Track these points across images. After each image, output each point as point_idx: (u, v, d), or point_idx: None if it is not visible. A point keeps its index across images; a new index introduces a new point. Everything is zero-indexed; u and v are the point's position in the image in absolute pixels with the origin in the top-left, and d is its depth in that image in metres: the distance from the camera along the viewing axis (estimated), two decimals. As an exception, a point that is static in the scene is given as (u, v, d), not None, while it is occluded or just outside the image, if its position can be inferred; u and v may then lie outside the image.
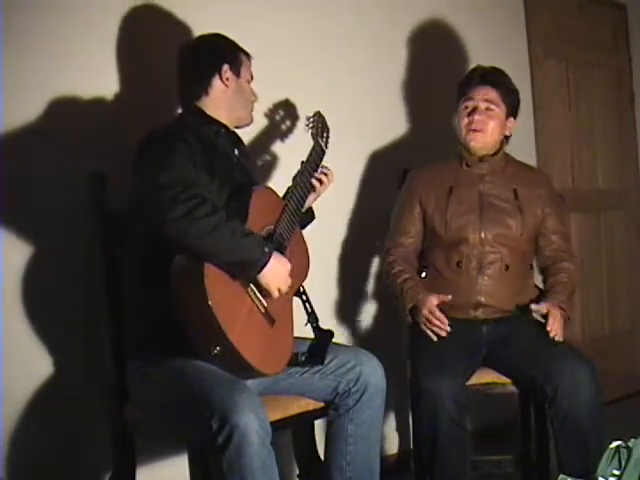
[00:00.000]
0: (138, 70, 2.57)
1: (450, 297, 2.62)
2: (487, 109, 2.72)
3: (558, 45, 4.05)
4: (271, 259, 2.09)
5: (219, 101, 2.32)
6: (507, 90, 2.77)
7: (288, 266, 2.17)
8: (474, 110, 2.72)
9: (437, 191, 2.77)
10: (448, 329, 2.58)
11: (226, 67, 2.32)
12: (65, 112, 2.41)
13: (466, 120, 2.73)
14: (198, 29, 2.55)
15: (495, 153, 2.78)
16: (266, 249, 2.08)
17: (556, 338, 2.57)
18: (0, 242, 2.29)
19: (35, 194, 2.35)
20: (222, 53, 2.34)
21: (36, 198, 2.35)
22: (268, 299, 2.16)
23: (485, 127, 2.72)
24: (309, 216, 2.56)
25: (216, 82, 2.32)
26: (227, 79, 2.32)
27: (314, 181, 2.43)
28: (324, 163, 2.47)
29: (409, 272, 2.74)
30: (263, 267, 2.07)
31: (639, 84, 4.46)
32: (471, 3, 3.59)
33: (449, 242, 2.73)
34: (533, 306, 2.63)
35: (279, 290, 2.15)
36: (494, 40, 3.66)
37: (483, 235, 2.71)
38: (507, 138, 2.83)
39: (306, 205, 2.46)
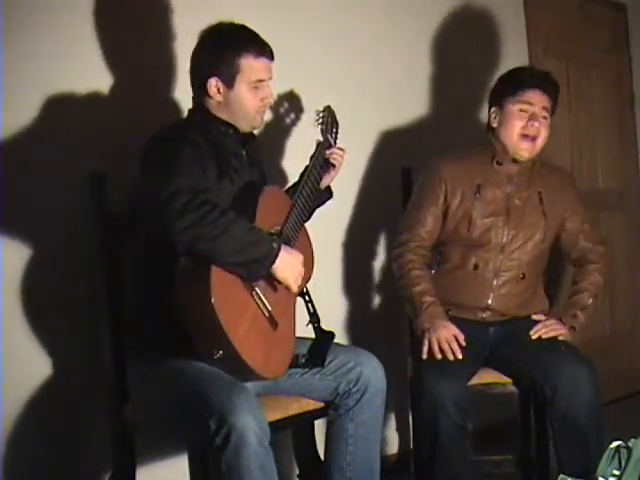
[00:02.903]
0: (139, 70, 2.57)
1: (464, 344, 2.55)
2: (544, 117, 2.65)
3: (558, 45, 4.05)
4: (281, 252, 2.08)
5: (217, 110, 2.24)
6: (556, 103, 2.72)
7: (300, 257, 2.16)
8: (533, 116, 2.62)
9: (464, 187, 2.70)
10: (460, 357, 2.51)
11: (212, 81, 2.19)
12: (65, 112, 2.41)
13: (523, 123, 2.62)
14: (201, 28, 2.55)
15: None
16: (274, 244, 2.07)
17: (533, 336, 2.64)
18: (0, 242, 2.29)
19: (35, 194, 2.35)
20: (208, 65, 2.21)
21: (36, 198, 2.34)
22: (273, 302, 2.15)
23: (539, 135, 2.64)
24: (327, 194, 2.56)
25: (204, 97, 2.24)
26: (217, 91, 2.21)
27: (330, 159, 2.45)
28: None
29: (427, 280, 2.66)
30: (273, 262, 2.07)
31: (639, 84, 4.46)
32: (471, 3, 3.59)
33: (469, 242, 2.68)
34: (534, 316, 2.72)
35: (296, 283, 2.15)
36: (494, 40, 3.66)
37: (505, 240, 2.67)
38: None
39: (324, 184, 2.47)
